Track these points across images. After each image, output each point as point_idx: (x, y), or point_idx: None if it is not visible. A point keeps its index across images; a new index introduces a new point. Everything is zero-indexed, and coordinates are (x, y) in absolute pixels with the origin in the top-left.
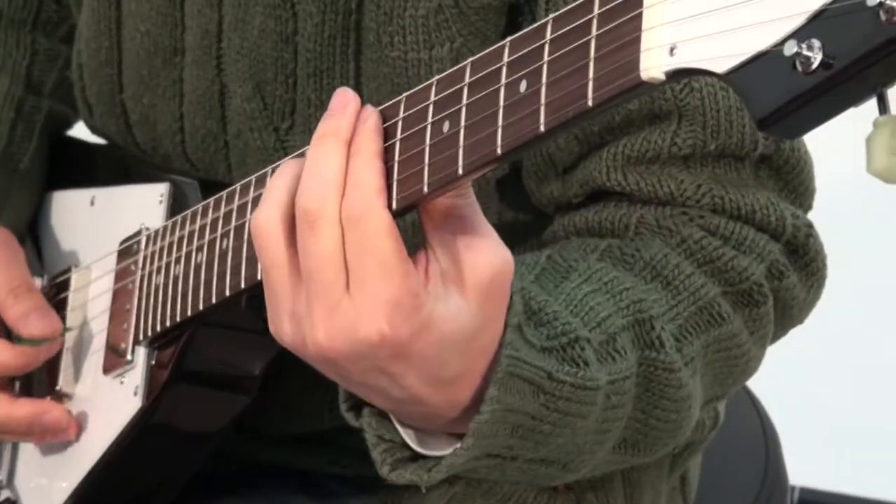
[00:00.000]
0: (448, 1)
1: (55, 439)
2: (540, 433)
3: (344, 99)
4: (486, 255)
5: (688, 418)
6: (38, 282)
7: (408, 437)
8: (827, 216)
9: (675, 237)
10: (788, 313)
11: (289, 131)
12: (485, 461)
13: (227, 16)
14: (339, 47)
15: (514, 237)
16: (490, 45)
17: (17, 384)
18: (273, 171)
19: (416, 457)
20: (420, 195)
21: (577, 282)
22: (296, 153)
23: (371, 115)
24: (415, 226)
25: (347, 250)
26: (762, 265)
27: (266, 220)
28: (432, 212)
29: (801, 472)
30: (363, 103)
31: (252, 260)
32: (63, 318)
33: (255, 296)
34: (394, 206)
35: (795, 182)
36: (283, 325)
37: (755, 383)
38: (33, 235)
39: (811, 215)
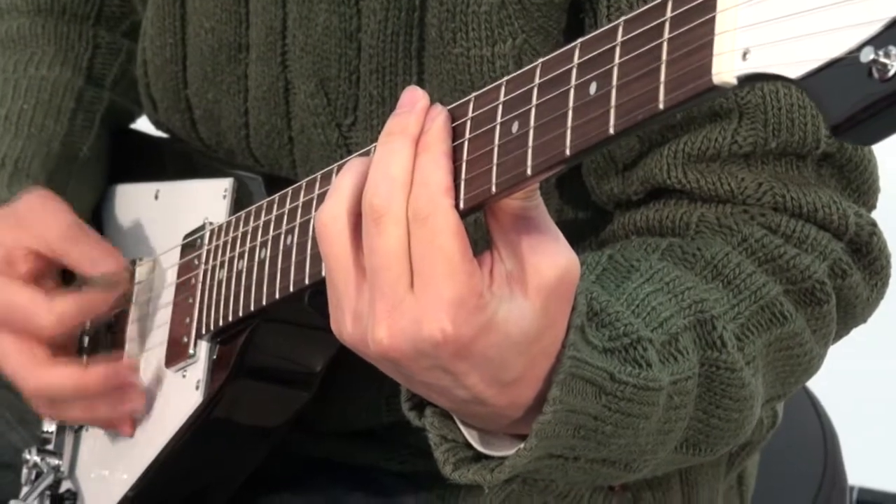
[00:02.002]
0: None
1: (124, 409)
2: (602, 434)
3: (413, 96)
4: (552, 257)
5: (750, 417)
6: None
7: (471, 437)
8: (891, 215)
9: (736, 236)
10: (851, 312)
11: (351, 128)
12: (547, 461)
13: (292, 13)
14: (403, 44)
15: (574, 235)
16: (552, 42)
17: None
18: (339, 168)
19: (478, 456)
20: (488, 195)
21: (638, 282)
22: (362, 151)
23: (440, 113)
24: (477, 223)
25: (413, 248)
26: (825, 263)
27: (331, 217)
28: (498, 213)
29: (860, 472)
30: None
31: (316, 257)
32: (127, 311)
33: (317, 292)
34: (461, 205)
35: (859, 181)
36: (345, 322)
37: (814, 383)
38: (98, 228)
39: (874, 214)
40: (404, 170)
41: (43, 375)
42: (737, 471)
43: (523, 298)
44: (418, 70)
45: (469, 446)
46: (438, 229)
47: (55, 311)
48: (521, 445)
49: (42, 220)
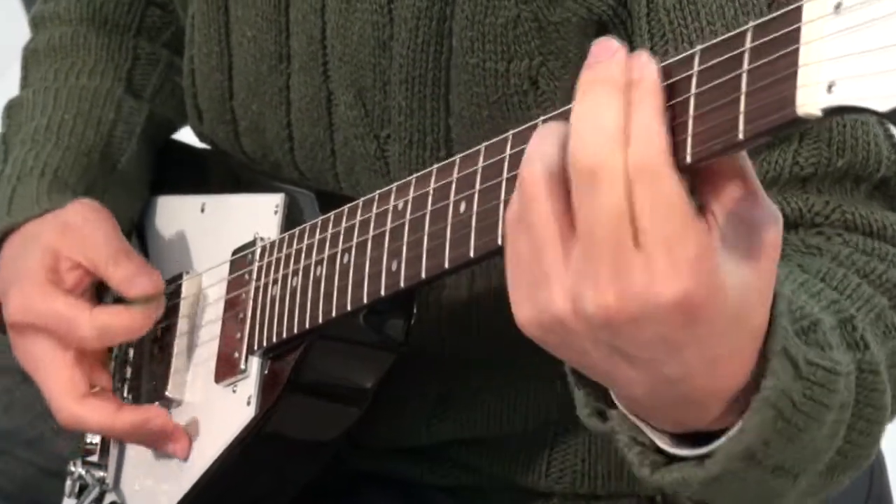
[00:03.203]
0: (527, 13)
1: (165, 446)
2: (795, 426)
3: (609, 45)
4: (767, 220)
5: (881, 435)
6: None
7: (660, 440)
8: None
9: (826, 255)
10: None
11: (387, 140)
12: (736, 463)
13: (330, 22)
14: (433, 54)
15: None
16: (572, 68)
17: (126, 387)
18: (398, 188)
19: (668, 461)
20: None
21: (779, 281)
22: (555, 112)
23: (649, 61)
24: None
25: (638, 206)
26: None
27: (543, 175)
28: (712, 175)
29: None
30: (451, 112)
31: (374, 277)
32: (174, 325)
33: (372, 311)
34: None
35: None
36: (553, 296)
37: None
38: (141, 239)
39: None
40: (618, 120)
41: (76, 411)
42: None
43: (745, 265)
44: (446, 81)
45: (658, 451)
46: (667, 185)
47: (97, 323)
48: (737, 428)
49: (90, 234)
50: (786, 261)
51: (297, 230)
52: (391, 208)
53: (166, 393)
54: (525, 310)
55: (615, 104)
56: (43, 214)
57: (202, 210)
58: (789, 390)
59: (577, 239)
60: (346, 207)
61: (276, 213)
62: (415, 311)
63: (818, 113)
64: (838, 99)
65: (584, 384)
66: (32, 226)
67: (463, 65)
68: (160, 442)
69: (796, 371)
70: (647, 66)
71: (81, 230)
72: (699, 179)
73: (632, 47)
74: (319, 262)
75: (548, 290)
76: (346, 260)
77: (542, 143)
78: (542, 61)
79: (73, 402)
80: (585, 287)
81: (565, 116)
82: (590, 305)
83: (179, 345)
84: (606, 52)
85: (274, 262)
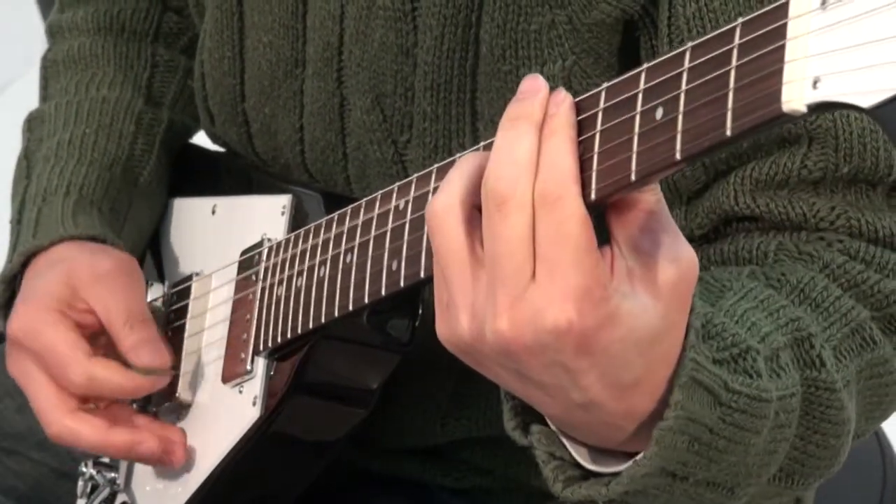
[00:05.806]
0: (561, 17)
1: (160, 464)
2: (715, 449)
3: (534, 84)
4: (675, 254)
5: (845, 445)
6: (159, 288)
7: (579, 454)
8: None
9: (817, 262)
10: None
11: (407, 144)
12: (657, 480)
13: (349, 29)
14: (458, 61)
15: None
16: (603, 65)
17: None
18: (399, 188)
19: (586, 475)
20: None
21: (733, 299)
22: (476, 146)
23: (565, 98)
24: None
25: (538, 233)
26: None
27: (445, 206)
28: (622, 207)
29: None
30: (477, 118)
31: (375, 276)
32: (184, 326)
33: (375, 311)
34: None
35: None
36: (460, 320)
37: None
38: (154, 241)
39: None
40: (530, 154)
41: (67, 424)
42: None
43: (646, 296)
44: (472, 87)
45: (576, 466)
46: (567, 214)
47: (89, 372)
48: (641, 454)
49: (117, 289)
50: (777, 265)
51: (301, 231)
52: (392, 208)
53: (177, 394)
54: (441, 328)
55: (531, 138)
56: (68, 239)
57: (213, 212)
58: (702, 417)
59: (483, 266)
60: (349, 208)
61: (283, 214)
62: (420, 312)
63: (803, 109)
64: (823, 95)
65: (511, 397)
66: (59, 250)
67: (494, 72)
68: (153, 462)
69: (714, 398)
70: (562, 103)
71: (110, 283)
72: (608, 211)
73: (653, 50)
74: (323, 263)
75: (456, 314)
76: (348, 260)
77: (458, 174)
78: (574, 61)
79: (64, 415)
80: (486, 313)
81: (489, 149)
82: (488, 332)
83: (189, 345)
84: (531, 91)
85: (280, 262)
